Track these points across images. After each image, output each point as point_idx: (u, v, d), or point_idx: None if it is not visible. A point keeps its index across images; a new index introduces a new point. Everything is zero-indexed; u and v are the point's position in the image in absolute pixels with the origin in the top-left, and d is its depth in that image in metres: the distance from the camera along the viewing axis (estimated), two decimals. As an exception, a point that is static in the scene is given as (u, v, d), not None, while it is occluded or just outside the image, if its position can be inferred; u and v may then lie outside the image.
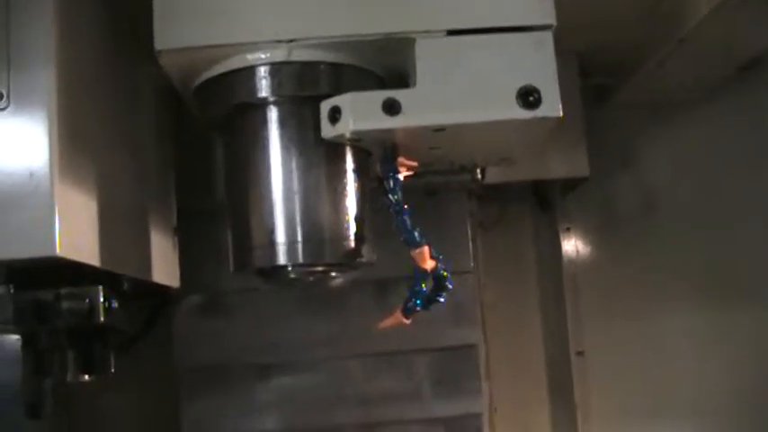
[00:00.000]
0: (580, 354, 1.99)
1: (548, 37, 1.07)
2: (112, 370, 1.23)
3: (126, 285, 1.22)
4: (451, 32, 1.06)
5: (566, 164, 1.83)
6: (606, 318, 2.01)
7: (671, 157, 2.07)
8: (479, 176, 1.42)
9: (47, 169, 0.93)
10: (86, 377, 1.19)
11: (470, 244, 1.72)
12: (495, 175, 1.65)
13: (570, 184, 1.95)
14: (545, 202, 2.06)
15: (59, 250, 0.92)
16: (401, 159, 1.11)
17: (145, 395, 1.81)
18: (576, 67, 1.83)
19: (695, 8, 1.53)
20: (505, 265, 2.04)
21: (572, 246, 2.05)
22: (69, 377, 1.17)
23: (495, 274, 1.99)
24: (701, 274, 2.04)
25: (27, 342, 1.15)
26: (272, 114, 1.10)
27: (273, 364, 1.68)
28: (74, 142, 1.00)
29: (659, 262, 2.02)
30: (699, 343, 2.03)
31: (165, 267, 1.40)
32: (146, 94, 1.40)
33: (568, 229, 2.05)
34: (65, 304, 1.02)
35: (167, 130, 1.52)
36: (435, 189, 1.65)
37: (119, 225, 1.17)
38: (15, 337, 1.19)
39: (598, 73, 1.94)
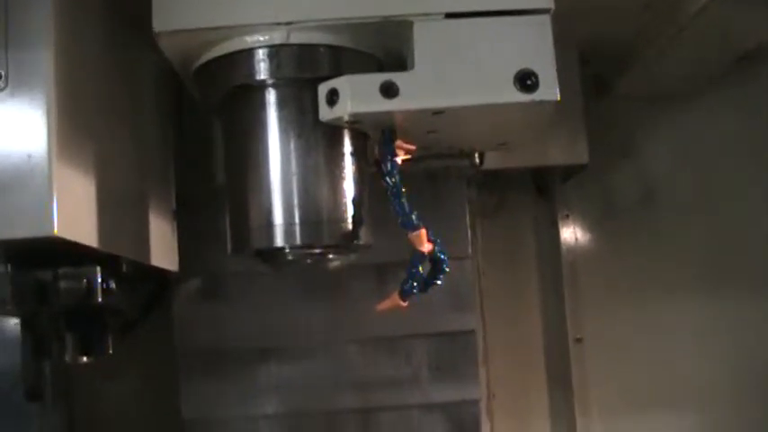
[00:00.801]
0: (578, 341, 1.99)
1: (545, 20, 1.08)
2: (110, 351, 1.24)
3: (125, 268, 1.23)
4: (449, 15, 1.06)
5: (565, 151, 1.83)
6: (605, 305, 2.02)
7: (670, 146, 2.07)
8: (477, 162, 1.42)
9: (45, 151, 0.94)
10: (84, 359, 1.20)
11: (468, 230, 1.72)
12: (494, 162, 1.65)
13: (570, 172, 1.95)
14: (544, 190, 2.07)
15: (57, 230, 0.92)
16: (399, 143, 1.11)
17: (145, 379, 1.82)
18: (577, 56, 1.83)
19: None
20: (504, 251, 2.04)
21: (571, 233, 2.05)
22: (68, 358, 1.18)
23: (495, 260, 1.99)
24: (700, 262, 2.04)
25: (26, 323, 1.16)
26: (271, 97, 1.10)
27: (273, 349, 1.68)
28: (72, 124, 1.00)
29: (658, 250, 2.03)
30: (697, 331, 2.03)
31: (163, 251, 1.40)
32: (146, 77, 1.40)
33: (567, 217, 2.05)
34: (62, 284, 1.03)
35: (168, 113, 1.52)
36: (435, 173, 1.65)
37: (117, 207, 1.17)
38: (14, 321, 1.20)
39: (598, 62, 1.94)
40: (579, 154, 1.82)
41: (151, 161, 1.41)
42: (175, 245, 1.49)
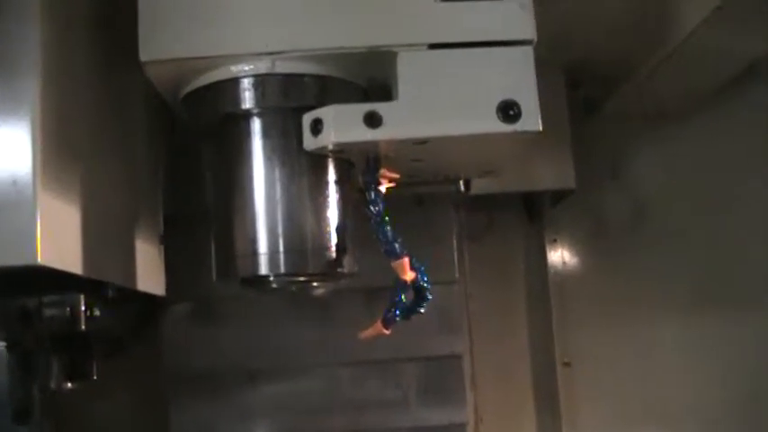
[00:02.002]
0: (566, 364, 2.00)
1: (528, 51, 1.08)
2: (95, 377, 1.24)
3: (111, 293, 1.23)
4: (433, 46, 1.07)
5: (553, 176, 1.84)
6: (593, 329, 2.02)
7: (660, 168, 2.07)
8: (463, 188, 1.43)
9: (30, 177, 0.93)
10: (69, 384, 1.20)
11: (456, 254, 1.73)
12: (482, 187, 1.67)
13: (558, 196, 1.96)
14: (534, 213, 2.07)
15: (41, 259, 0.92)
16: (383, 171, 1.12)
17: (134, 401, 1.81)
18: (564, 80, 1.84)
19: (684, 21, 1.54)
20: (493, 275, 2.04)
21: (559, 256, 2.06)
22: (53, 384, 1.18)
23: (483, 284, 2.00)
24: (689, 285, 2.04)
25: (12, 347, 1.16)
26: (256, 125, 1.11)
27: (262, 371, 1.69)
28: (59, 150, 1.00)
29: (647, 273, 2.03)
30: (687, 354, 2.03)
31: (150, 275, 1.40)
32: (136, 100, 1.40)
33: (555, 241, 2.06)
34: (46, 311, 1.03)
35: (157, 138, 1.52)
36: (422, 198, 1.66)
37: (104, 233, 1.17)
38: (2, 343, 1.20)
39: (587, 85, 1.95)
40: (566, 179, 1.83)
41: (139, 185, 1.41)
42: (162, 269, 1.49)
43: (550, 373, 2.01)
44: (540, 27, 1.09)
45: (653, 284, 2.03)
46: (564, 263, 2.06)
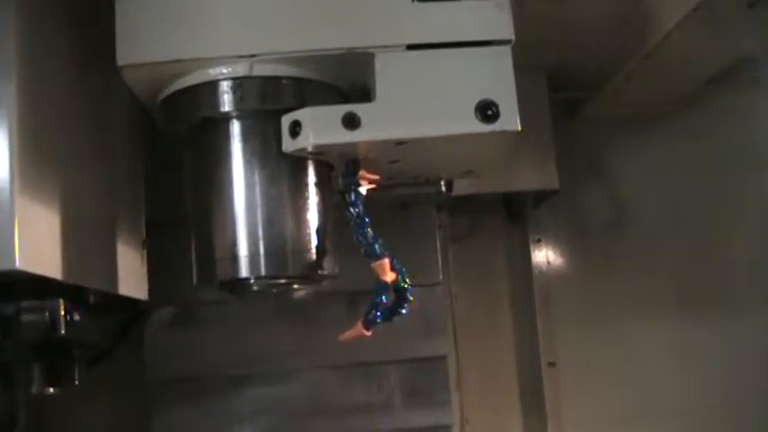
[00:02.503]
0: (552, 365, 2.00)
1: (506, 51, 1.09)
2: (77, 383, 1.23)
3: (93, 298, 1.22)
4: (411, 47, 1.07)
5: (536, 176, 1.84)
6: (577, 329, 2.02)
7: (641, 168, 2.09)
8: (443, 189, 1.43)
9: (7, 183, 0.93)
10: (51, 390, 1.19)
11: (439, 256, 1.73)
12: (465, 188, 1.67)
13: (541, 197, 1.96)
14: (516, 214, 2.08)
15: (19, 264, 0.92)
16: (363, 173, 1.12)
17: (117, 408, 1.81)
18: (545, 81, 1.85)
19: (660, 24, 1.55)
20: (477, 276, 2.05)
21: (543, 257, 2.06)
22: (34, 390, 1.17)
23: (467, 285, 2.00)
24: (672, 284, 2.06)
25: (-6, 356, 1.15)
26: (235, 128, 1.10)
27: (246, 376, 1.68)
28: (37, 155, 0.99)
29: (630, 273, 2.04)
30: (671, 353, 2.04)
31: (132, 280, 1.39)
32: (115, 105, 1.39)
33: (539, 241, 2.06)
34: (25, 317, 1.03)
35: (138, 143, 1.52)
36: (406, 202, 1.66)
37: (84, 238, 1.17)
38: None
39: (568, 87, 1.96)
40: (550, 179, 1.84)
41: (120, 190, 1.40)
42: (145, 273, 1.48)
43: (536, 373, 2.01)
44: (518, 30, 1.09)
45: (637, 284, 2.04)
46: (548, 263, 2.06)
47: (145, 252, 1.50)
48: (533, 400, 2.02)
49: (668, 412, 2.00)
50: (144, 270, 1.49)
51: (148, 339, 1.66)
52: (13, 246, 0.92)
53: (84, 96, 1.23)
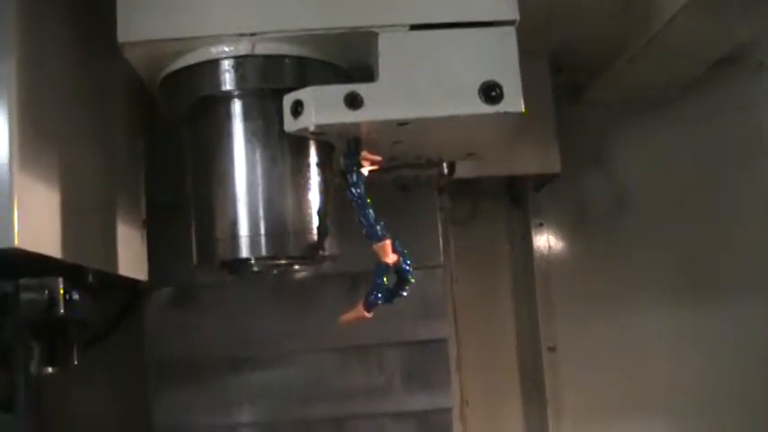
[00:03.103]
0: (552, 349, 2.00)
1: (510, 32, 1.08)
2: (75, 362, 1.23)
3: (92, 278, 1.22)
4: (414, 27, 1.07)
5: (537, 160, 1.84)
6: (578, 313, 2.02)
7: (643, 153, 2.08)
8: (445, 171, 1.42)
9: (6, 161, 0.93)
10: (50, 369, 1.19)
11: (440, 238, 1.72)
12: (467, 171, 1.66)
13: (543, 180, 1.96)
14: (518, 198, 2.07)
15: (18, 242, 0.92)
16: (365, 153, 1.11)
17: (116, 388, 1.81)
18: (548, 65, 1.84)
19: (665, 8, 1.54)
20: (478, 259, 2.04)
21: (544, 241, 2.06)
22: (33, 369, 1.16)
23: (468, 268, 2.00)
24: (674, 269, 2.05)
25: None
26: (236, 107, 1.10)
27: (245, 358, 1.68)
28: (37, 135, 0.99)
29: (631, 258, 2.04)
30: (671, 338, 2.04)
31: (132, 260, 1.39)
32: (116, 85, 1.39)
33: (541, 225, 2.05)
34: (24, 295, 1.02)
35: (138, 124, 1.51)
36: (407, 184, 1.65)
37: (84, 217, 1.17)
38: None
39: (570, 70, 1.95)
40: (551, 163, 1.84)
41: (120, 170, 1.40)
42: (145, 254, 1.48)
43: (536, 356, 2.01)
44: (522, 13, 1.09)
45: (638, 269, 2.03)
46: (549, 247, 2.06)
47: (145, 232, 1.49)
48: (533, 384, 2.02)
49: (668, 396, 2.00)
50: (144, 251, 1.48)
51: (147, 320, 1.65)
52: (12, 224, 0.92)
53: (84, 77, 1.22)
